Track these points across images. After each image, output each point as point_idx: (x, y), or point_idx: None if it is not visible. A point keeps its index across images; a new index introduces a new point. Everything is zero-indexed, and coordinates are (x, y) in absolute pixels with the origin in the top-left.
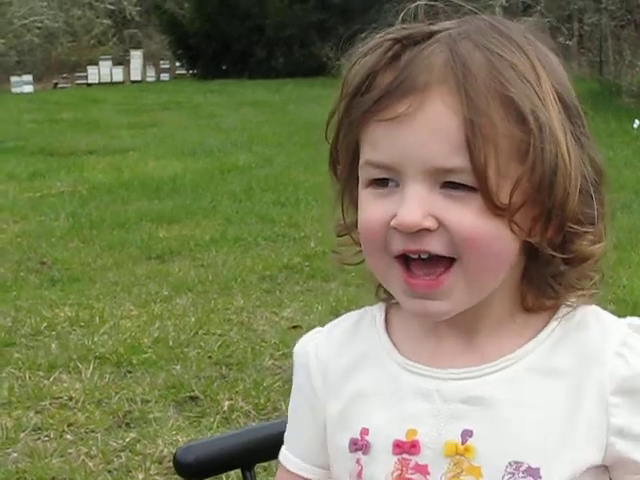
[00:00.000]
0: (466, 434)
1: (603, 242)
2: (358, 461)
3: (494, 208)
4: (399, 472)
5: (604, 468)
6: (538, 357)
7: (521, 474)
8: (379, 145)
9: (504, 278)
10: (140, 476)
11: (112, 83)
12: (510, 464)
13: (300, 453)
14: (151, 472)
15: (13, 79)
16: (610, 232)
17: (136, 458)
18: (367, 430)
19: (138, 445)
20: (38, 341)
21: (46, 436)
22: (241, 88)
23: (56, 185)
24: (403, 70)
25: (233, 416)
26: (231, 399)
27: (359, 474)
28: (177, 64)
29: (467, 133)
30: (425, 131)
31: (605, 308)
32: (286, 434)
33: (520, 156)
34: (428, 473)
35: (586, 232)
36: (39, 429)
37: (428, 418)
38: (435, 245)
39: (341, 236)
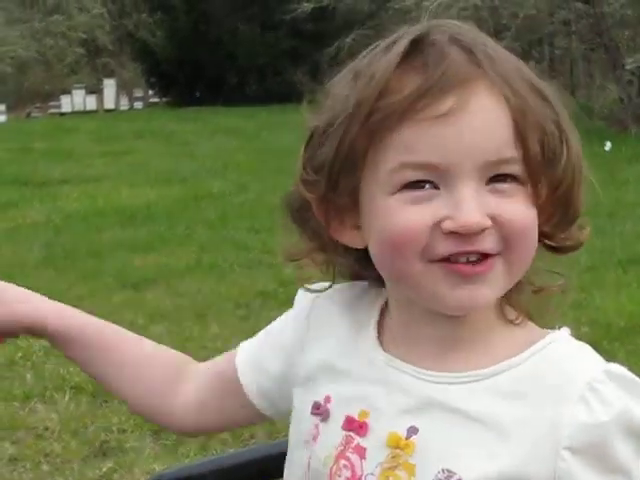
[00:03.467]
0: (412, 430)
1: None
2: (317, 426)
3: (537, 197)
4: (342, 448)
5: None
6: (505, 380)
7: None
8: (417, 146)
9: None
10: None
11: (85, 112)
12: (443, 471)
13: (252, 363)
14: None
15: None
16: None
17: None
18: (330, 398)
19: (115, 475)
20: (13, 371)
21: (22, 467)
22: (214, 115)
23: (30, 215)
24: (434, 69)
25: (210, 444)
26: None
27: (314, 438)
28: (150, 92)
29: (518, 122)
30: (476, 126)
31: (579, 330)
32: (248, 342)
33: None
34: (364, 458)
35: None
36: (15, 460)
37: (384, 406)
38: (488, 243)
39: (297, 260)
